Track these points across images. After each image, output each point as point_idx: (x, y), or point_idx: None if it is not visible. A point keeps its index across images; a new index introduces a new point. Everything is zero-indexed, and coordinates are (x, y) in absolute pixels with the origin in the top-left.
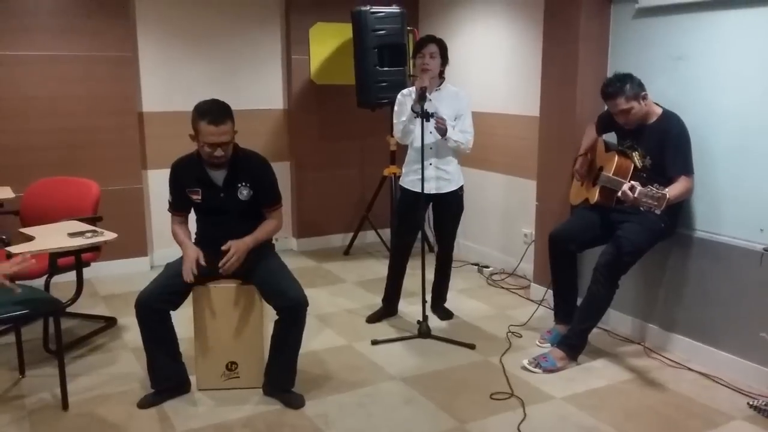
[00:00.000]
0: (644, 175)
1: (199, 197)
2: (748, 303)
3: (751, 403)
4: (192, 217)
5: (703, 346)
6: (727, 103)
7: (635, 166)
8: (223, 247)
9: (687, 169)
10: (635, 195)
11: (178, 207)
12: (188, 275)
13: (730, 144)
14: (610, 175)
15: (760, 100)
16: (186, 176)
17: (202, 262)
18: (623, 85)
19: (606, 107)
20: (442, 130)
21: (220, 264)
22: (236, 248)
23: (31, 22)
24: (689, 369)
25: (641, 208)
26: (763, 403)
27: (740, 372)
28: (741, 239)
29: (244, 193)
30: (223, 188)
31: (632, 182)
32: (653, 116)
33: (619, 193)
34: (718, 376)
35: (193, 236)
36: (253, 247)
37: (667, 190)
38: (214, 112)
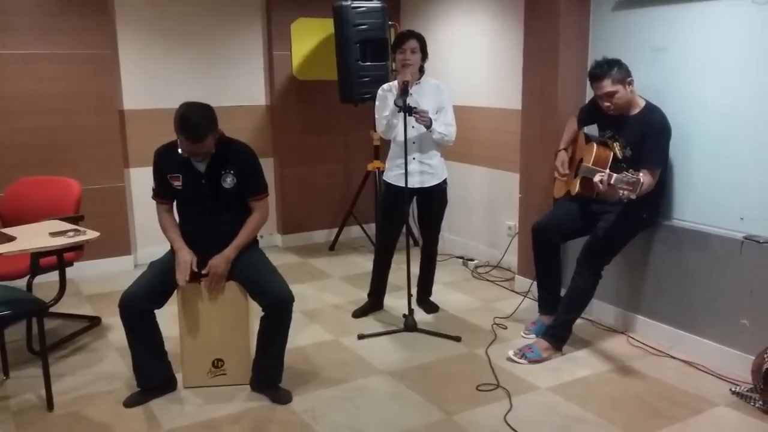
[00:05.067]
0: (623, 165)
1: (180, 183)
2: (729, 291)
3: (733, 389)
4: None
5: (685, 333)
6: (707, 94)
7: (615, 156)
8: (203, 271)
9: (659, 164)
10: (611, 182)
11: (161, 194)
12: (182, 280)
13: (709, 134)
14: (590, 165)
15: (739, 91)
16: (167, 162)
17: (195, 268)
18: (611, 68)
19: (587, 102)
20: (426, 123)
21: (205, 287)
22: (215, 268)
23: (10, 20)
24: (672, 357)
25: (619, 193)
26: (746, 390)
27: (722, 359)
28: (722, 228)
29: (228, 180)
30: (205, 175)
31: (608, 171)
32: (636, 107)
33: (595, 180)
34: (700, 363)
35: None
36: (236, 256)
37: (641, 174)
38: (192, 131)
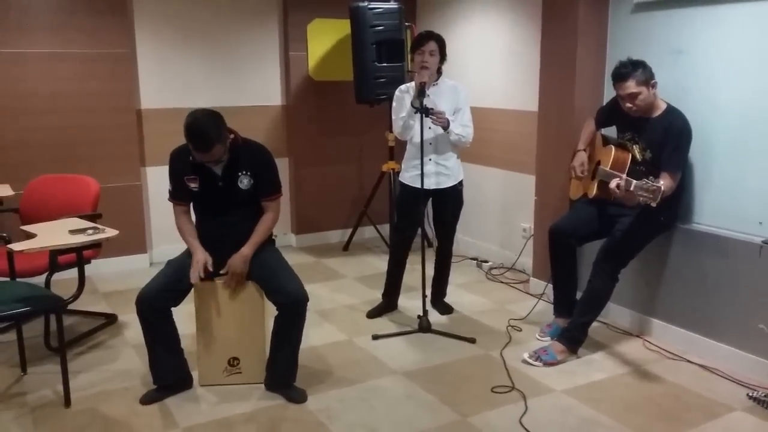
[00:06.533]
0: (642, 168)
1: (197, 185)
2: (747, 295)
3: (750, 394)
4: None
5: (702, 338)
6: (727, 97)
7: (634, 159)
8: (222, 271)
9: (679, 167)
10: (631, 188)
11: (178, 196)
12: (195, 278)
13: (729, 137)
14: (607, 169)
15: (759, 94)
16: (183, 164)
17: (210, 268)
18: (635, 69)
19: (605, 103)
20: (443, 124)
21: (224, 286)
22: (234, 267)
23: (30, 19)
24: (688, 361)
25: (639, 199)
26: (763, 395)
27: (739, 363)
28: (740, 232)
29: (244, 182)
30: (221, 177)
31: (626, 177)
32: (657, 110)
33: (611, 186)
34: (717, 367)
35: None
36: (254, 254)
37: (661, 182)
38: (198, 141)
